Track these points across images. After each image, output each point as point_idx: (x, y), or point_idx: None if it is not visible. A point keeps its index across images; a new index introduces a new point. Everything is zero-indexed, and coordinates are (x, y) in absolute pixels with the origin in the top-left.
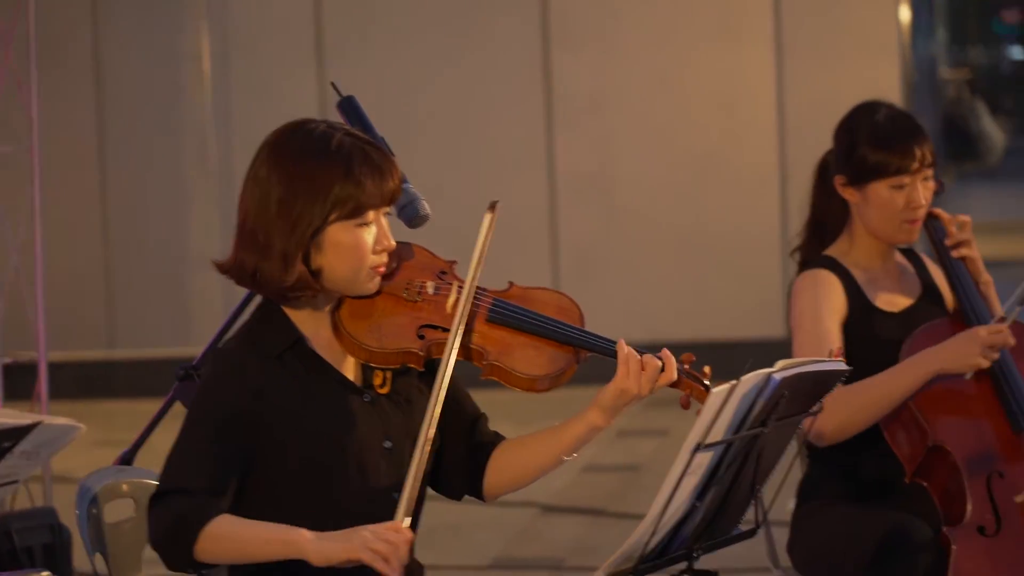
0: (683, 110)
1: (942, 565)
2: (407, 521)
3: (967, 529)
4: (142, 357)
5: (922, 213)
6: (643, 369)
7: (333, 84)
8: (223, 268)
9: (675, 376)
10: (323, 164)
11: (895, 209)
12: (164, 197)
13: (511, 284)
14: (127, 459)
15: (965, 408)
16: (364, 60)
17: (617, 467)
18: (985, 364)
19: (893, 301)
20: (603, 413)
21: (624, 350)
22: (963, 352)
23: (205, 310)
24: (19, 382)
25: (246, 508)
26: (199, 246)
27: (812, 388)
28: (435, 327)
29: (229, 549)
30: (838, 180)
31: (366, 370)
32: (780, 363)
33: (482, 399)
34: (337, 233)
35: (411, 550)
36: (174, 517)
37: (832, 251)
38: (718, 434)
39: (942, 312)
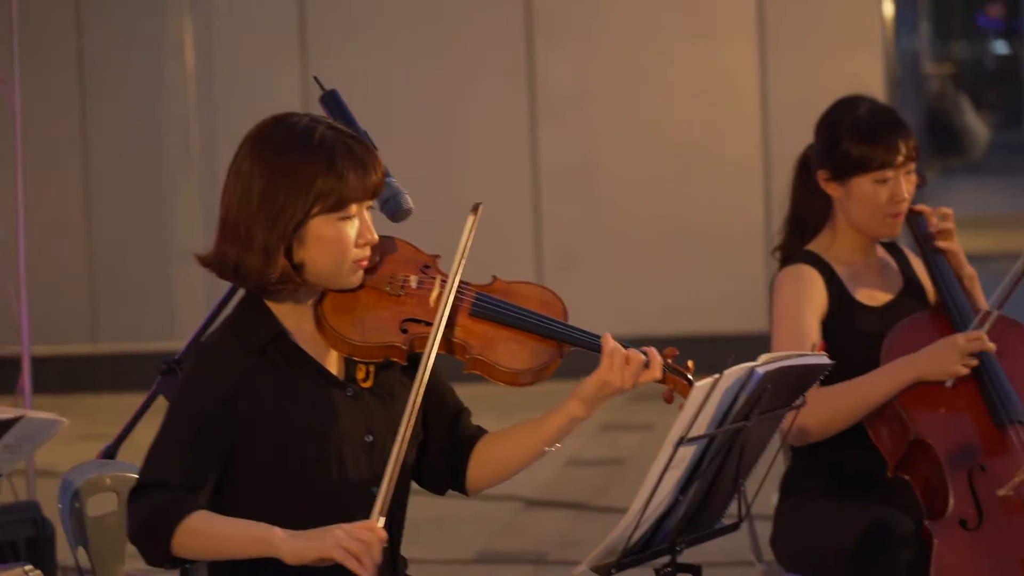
0: (666, 104)
1: (924, 559)
2: (382, 521)
3: (949, 523)
4: (126, 351)
5: (905, 207)
6: (627, 363)
7: (316, 78)
8: (205, 261)
9: (659, 374)
10: (306, 157)
11: (878, 203)
12: (147, 191)
13: (494, 278)
14: (110, 453)
15: (947, 402)
16: (348, 54)
17: (601, 461)
18: (964, 372)
19: (875, 296)
20: (584, 404)
21: (610, 344)
22: (942, 360)
23: (188, 304)
24: (2, 376)
25: (227, 502)
26: (182, 240)
27: (795, 382)
28: (418, 321)
29: (205, 545)
30: (821, 175)
31: (349, 364)
32: (763, 357)
33: (466, 393)
34: (319, 226)
35: (396, 548)
36: (151, 511)
37: (814, 246)
38: (701, 428)
39: (923, 306)
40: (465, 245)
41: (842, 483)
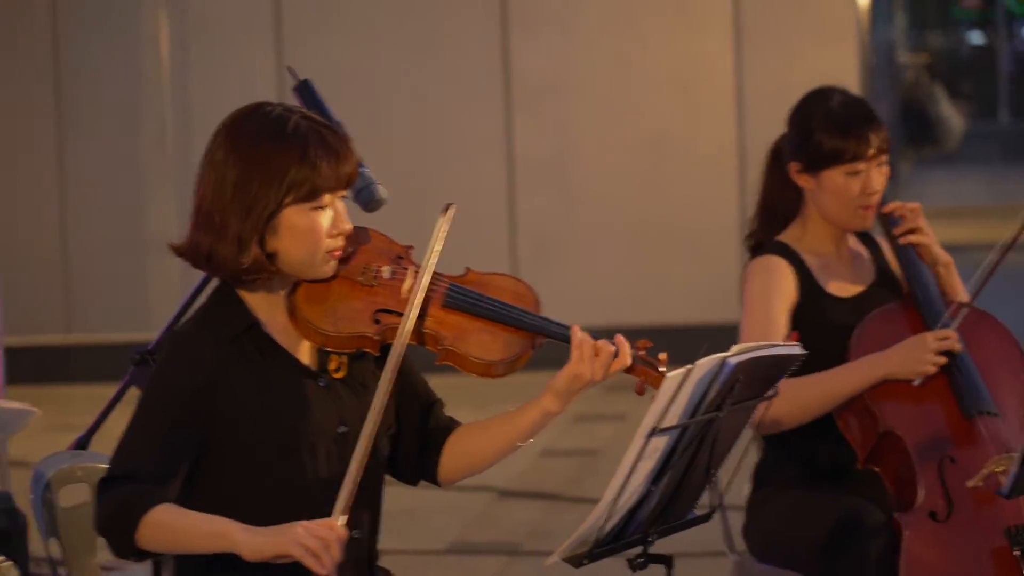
0: (641, 94)
1: (895, 550)
2: (343, 519)
3: (919, 514)
4: (99, 342)
5: (877, 199)
6: (596, 354)
7: (289, 68)
8: (179, 250)
9: (629, 362)
10: (279, 147)
11: (850, 196)
12: (122, 181)
13: (467, 270)
14: (82, 444)
15: (916, 394)
16: (323, 46)
17: (575, 452)
18: (932, 371)
19: (845, 287)
20: (557, 398)
21: (578, 335)
22: (911, 359)
23: (163, 294)
24: None
25: (199, 493)
26: (157, 230)
27: (768, 372)
28: (391, 312)
29: (168, 538)
30: (793, 167)
31: (321, 354)
32: (735, 348)
33: (439, 384)
34: (293, 216)
35: (372, 542)
36: (118, 503)
37: (785, 237)
38: (673, 419)
39: (896, 298)
40: (435, 247)
41: (814, 474)
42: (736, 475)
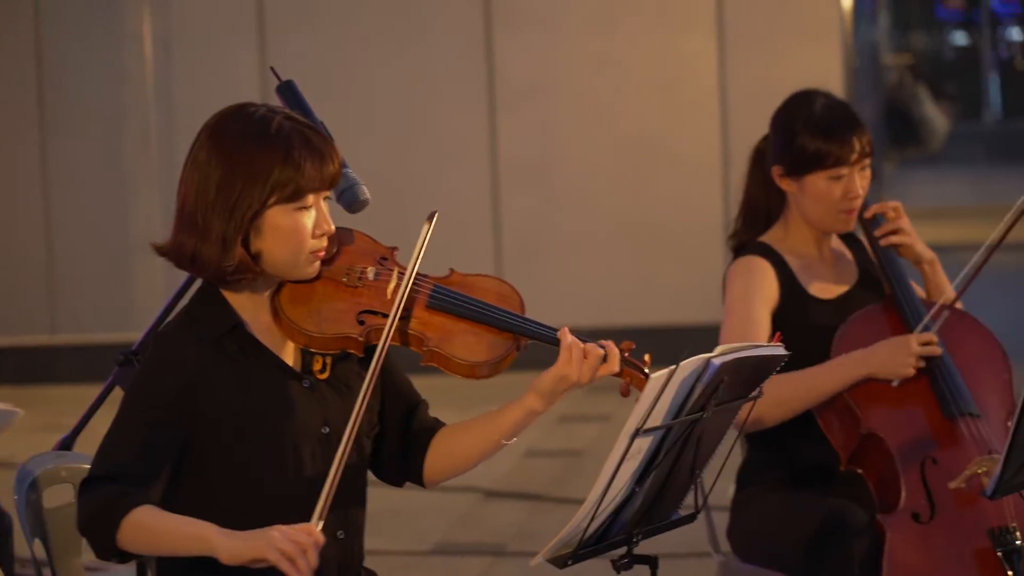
0: (625, 95)
1: (879, 550)
2: (321, 524)
3: (901, 516)
4: (84, 342)
5: (859, 203)
6: (585, 357)
7: (272, 69)
8: (162, 251)
9: (617, 367)
10: (263, 147)
11: (832, 200)
12: (106, 181)
13: (452, 271)
14: (67, 444)
15: (898, 396)
16: (306, 45)
17: (559, 452)
18: (911, 373)
19: (828, 288)
20: (541, 398)
21: (568, 338)
22: (893, 361)
23: (147, 295)
24: None
25: (183, 493)
26: (141, 230)
27: (752, 373)
28: (375, 313)
29: (147, 540)
30: (775, 171)
31: (305, 355)
32: (719, 348)
33: (424, 385)
34: (276, 217)
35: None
36: (98, 504)
37: (767, 238)
38: (657, 419)
39: (878, 299)
40: (419, 253)
41: (797, 475)
42: (721, 476)
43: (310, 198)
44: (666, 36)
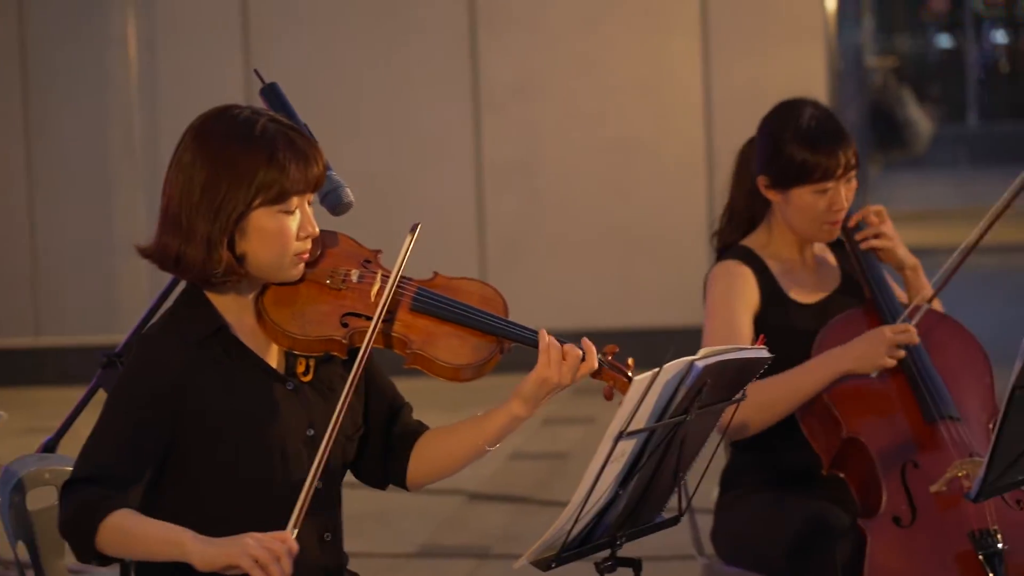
0: (609, 96)
1: (862, 552)
2: (295, 532)
3: (882, 520)
4: (69, 344)
5: (843, 215)
6: (564, 359)
7: (256, 71)
8: (146, 253)
9: (596, 365)
10: (247, 149)
11: (817, 212)
12: (90, 183)
13: (435, 274)
14: (50, 446)
15: (878, 399)
16: (290, 47)
17: (543, 455)
18: (891, 364)
19: (809, 293)
20: (524, 403)
21: (545, 339)
22: (869, 353)
23: (131, 297)
24: None
25: (167, 497)
26: (125, 233)
27: (735, 376)
28: (358, 315)
29: (124, 544)
30: (761, 180)
31: (289, 358)
32: (703, 351)
33: (408, 387)
34: (261, 219)
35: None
36: (78, 506)
37: (749, 242)
38: (641, 422)
39: (859, 303)
40: (402, 263)
41: (781, 478)
42: (704, 478)
43: (294, 200)
44: (650, 38)
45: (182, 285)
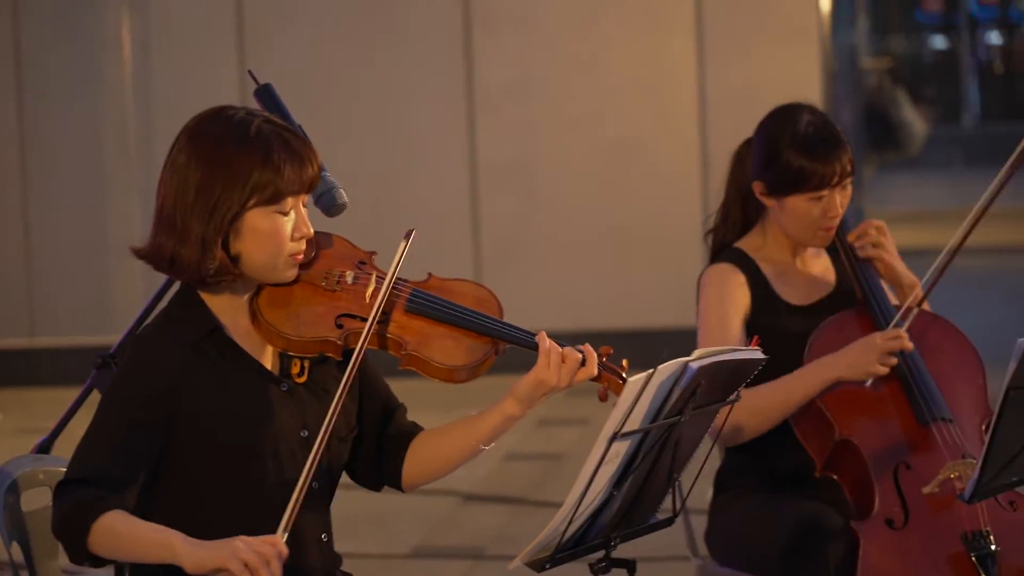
0: (604, 97)
1: (855, 554)
2: (285, 536)
3: (875, 522)
4: (63, 345)
5: (837, 221)
6: (563, 362)
7: (250, 72)
8: (140, 253)
9: (596, 371)
10: (242, 150)
11: (811, 218)
12: (85, 184)
13: (430, 275)
14: (45, 447)
15: (871, 402)
16: (285, 47)
17: (538, 456)
18: (883, 371)
19: (802, 295)
20: (519, 403)
21: (546, 342)
22: (861, 361)
23: (126, 298)
24: None
25: (161, 498)
26: (119, 233)
27: (729, 377)
28: (353, 316)
29: (115, 545)
30: (756, 186)
31: (284, 359)
32: (697, 352)
33: (403, 388)
34: (255, 219)
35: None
36: (71, 507)
37: (743, 244)
38: (635, 423)
39: (851, 305)
40: (395, 269)
41: (775, 479)
42: (699, 479)
43: (289, 201)
44: (646, 38)
45: (176, 286)
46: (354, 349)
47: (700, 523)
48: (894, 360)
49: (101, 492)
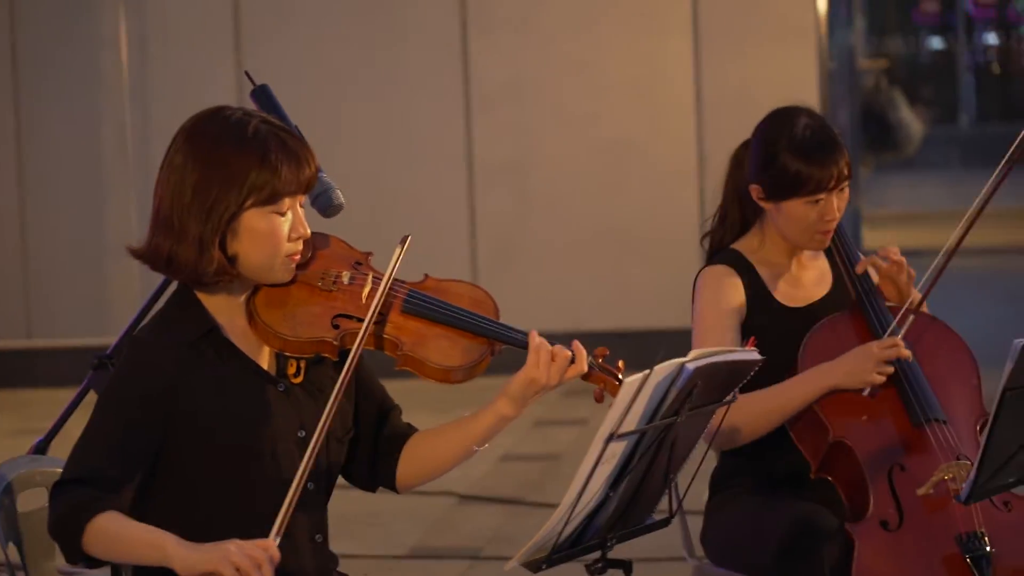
0: (600, 97)
1: (851, 555)
2: (279, 540)
3: (870, 524)
4: (60, 346)
5: (834, 224)
6: (553, 359)
7: (247, 73)
8: (137, 254)
9: (585, 368)
10: (239, 150)
11: (808, 222)
12: (82, 185)
13: (426, 276)
14: (41, 448)
15: (865, 403)
16: (282, 48)
17: (535, 456)
18: (880, 380)
19: (798, 296)
20: (512, 403)
21: (535, 340)
22: (857, 370)
23: (123, 299)
24: None
25: (157, 499)
26: (117, 234)
27: (726, 378)
28: (350, 317)
29: (110, 547)
30: (754, 190)
31: (280, 359)
32: (693, 353)
33: (399, 389)
34: (252, 219)
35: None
36: (66, 508)
37: (740, 245)
38: (631, 424)
39: (846, 307)
40: (391, 274)
41: (770, 481)
42: (695, 480)
43: (286, 202)
44: (642, 39)
45: (173, 286)
46: (350, 349)
47: (696, 524)
48: (891, 369)
49: (97, 492)
